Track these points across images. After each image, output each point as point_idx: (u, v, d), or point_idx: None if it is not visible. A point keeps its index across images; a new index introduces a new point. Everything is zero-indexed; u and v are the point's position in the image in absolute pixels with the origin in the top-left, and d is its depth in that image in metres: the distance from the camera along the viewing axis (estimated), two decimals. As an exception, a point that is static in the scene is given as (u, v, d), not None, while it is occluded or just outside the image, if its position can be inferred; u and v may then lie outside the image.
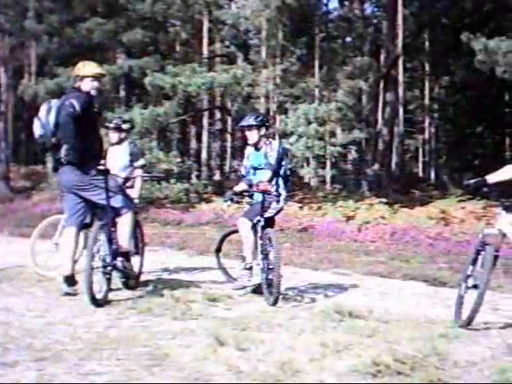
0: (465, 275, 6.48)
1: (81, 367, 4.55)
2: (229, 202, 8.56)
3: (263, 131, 8.34)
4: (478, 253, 6.41)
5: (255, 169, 8.37)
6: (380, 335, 5.72)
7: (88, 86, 7.33)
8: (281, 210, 8.36)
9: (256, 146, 8.36)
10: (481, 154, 34.19)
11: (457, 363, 4.88)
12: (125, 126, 9.50)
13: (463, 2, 30.85)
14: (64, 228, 7.80)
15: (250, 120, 8.37)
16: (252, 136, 8.33)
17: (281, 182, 8.29)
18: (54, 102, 7.36)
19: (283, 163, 8.33)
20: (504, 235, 6.23)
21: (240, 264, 8.30)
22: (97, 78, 7.46)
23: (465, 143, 33.93)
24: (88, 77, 7.34)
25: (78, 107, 6.99)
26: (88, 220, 7.62)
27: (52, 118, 7.24)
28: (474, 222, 16.54)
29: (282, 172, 8.30)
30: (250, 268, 7.99)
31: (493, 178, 6.38)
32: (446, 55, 32.99)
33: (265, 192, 7.95)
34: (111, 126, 9.33)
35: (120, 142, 9.34)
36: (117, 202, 7.28)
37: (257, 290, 7.93)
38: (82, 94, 7.21)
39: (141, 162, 9.46)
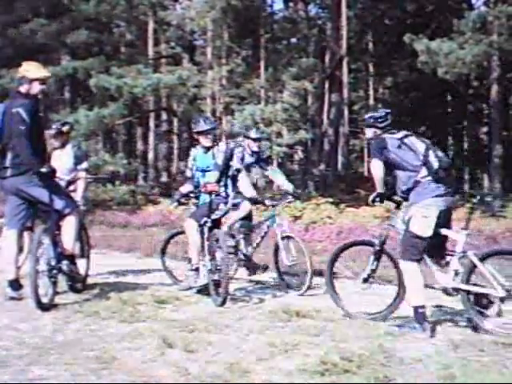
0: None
1: (27, 373, 4.50)
2: (175, 204, 8.55)
3: (214, 134, 8.44)
4: (379, 252, 6.86)
5: (203, 171, 8.38)
6: (327, 334, 5.79)
7: (37, 89, 7.18)
8: (228, 211, 8.37)
9: (208, 149, 8.39)
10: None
11: (402, 360, 4.96)
12: (65, 129, 9.41)
13: (405, 3, 31.26)
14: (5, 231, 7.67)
15: (205, 125, 8.40)
16: (207, 140, 8.36)
17: (229, 182, 8.31)
18: None
19: (231, 163, 8.35)
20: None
21: (186, 265, 8.30)
22: (44, 80, 7.36)
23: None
24: (38, 80, 7.21)
25: (27, 119, 6.89)
26: (30, 223, 7.52)
27: None
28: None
29: (230, 173, 8.31)
30: (197, 269, 7.99)
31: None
32: (390, 56, 33.38)
33: (212, 193, 7.95)
34: (52, 132, 9.21)
35: (63, 145, 9.25)
36: (60, 204, 7.19)
37: (204, 291, 7.94)
38: (28, 100, 7.07)
39: (84, 165, 9.39)
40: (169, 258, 9.41)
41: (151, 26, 30.83)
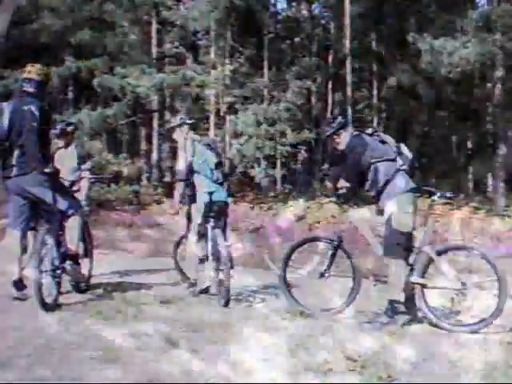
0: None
1: (31, 373, 4.50)
2: (180, 205, 8.56)
3: (185, 130, 8.40)
4: (336, 248, 7.10)
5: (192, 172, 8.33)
6: (331, 334, 5.78)
7: (41, 90, 7.25)
8: (227, 201, 8.33)
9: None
10: (429, 152, 34.58)
11: (406, 360, 4.95)
12: (70, 129, 9.44)
13: (409, 2, 31.20)
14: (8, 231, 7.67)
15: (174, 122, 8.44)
16: (176, 135, 8.41)
17: (219, 174, 8.21)
18: (5, 105, 7.21)
19: (221, 160, 8.35)
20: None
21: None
22: (48, 81, 7.41)
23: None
24: (41, 81, 7.25)
25: (38, 117, 6.93)
26: (33, 223, 7.52)
27: (5, 121, 7.09)
28: (420, 218, 16.79)
29: (213, 166, 8.17)
30: (195, 284, 8.05)
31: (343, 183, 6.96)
32: (393, 55, 33.30)
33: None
34: (57, 132, 9.23)
35: (67, 145, 9.26)
36: (63, 204, 7.19)
37: (208, 291, 7.94)
38: (37, 99, 7.12)
39: (88, 165, 9.40)
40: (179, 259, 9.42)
41: (154, 25, 30.83)
